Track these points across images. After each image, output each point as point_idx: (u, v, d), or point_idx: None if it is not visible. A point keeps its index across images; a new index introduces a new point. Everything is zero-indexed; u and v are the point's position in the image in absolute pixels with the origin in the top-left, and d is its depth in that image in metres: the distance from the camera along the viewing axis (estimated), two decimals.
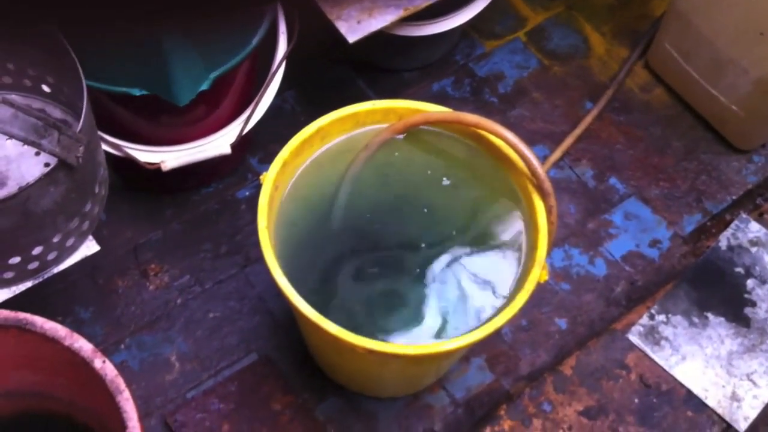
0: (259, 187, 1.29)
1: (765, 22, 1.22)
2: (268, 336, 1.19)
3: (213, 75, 1.02)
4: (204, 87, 1.01)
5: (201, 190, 1.29)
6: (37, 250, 0.82)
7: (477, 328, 0.94)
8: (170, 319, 1.19)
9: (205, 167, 1.17)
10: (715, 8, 1.29)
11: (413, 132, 1.07)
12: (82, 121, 0.76)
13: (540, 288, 1.01)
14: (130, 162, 1.11)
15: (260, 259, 1.24)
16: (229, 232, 1.26)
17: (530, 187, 1.02)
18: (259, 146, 1.33)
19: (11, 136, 0.67)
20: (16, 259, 0.81)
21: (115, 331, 1.17)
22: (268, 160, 1.33)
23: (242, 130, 1.13)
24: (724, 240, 1.30)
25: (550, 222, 1.02)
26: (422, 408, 1.16)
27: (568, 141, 1.41)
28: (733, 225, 1.32)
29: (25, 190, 0.73)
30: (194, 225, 1.26)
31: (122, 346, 1.16)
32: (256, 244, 1.25)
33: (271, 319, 1.20)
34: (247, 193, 1.30)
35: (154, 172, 1.12)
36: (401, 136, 1.07)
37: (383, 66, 1.41)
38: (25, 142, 0.70)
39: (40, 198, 0.76)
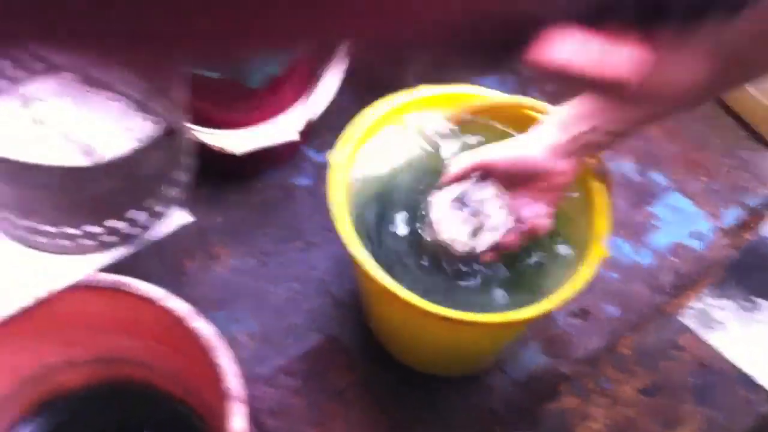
0: (317, 176, 1.35)
1: None
2: (331, 316, 1.22)
3: (282, 59, 1.07)
4: (275, 71, 1.06)
5: (260, 178, 1.33)
6: (136, 214, 0.86)
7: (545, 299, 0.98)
8: (238, 300, 1.22)
9: (268, 154, 1.21)
10: None
11: (467, 125, 1.11)
12: (183, 89, 0.80)
13: None
14: (199, 145, 1.15)
15: (320, 243, 1.29)
16: (289, 217, 1.30)
17: (585, 170, 1.07)
18: (316, 137, 1.37)
19: (129, 97, 0.71)
20: (115, 223, 0.85)
21: None
22: (324, 149, 1.37)
23: (309, 119, 1.18)
24: (766, 229, 1.34)
25: (608, 202, 1.06)
26: (483, 388, 1.19)
27: None
28: None
29: (135, 151, 0.77)
30: (255, 211, 1.30)
31: None
32: (316, 229, 1.30)
33: (333, 301, 1.24)
34: (306, 182, 1.34)
35: (222, 156, 1.16)
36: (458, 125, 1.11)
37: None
38: (140, 103, 0.74)
39: (145, 160, 0.79)
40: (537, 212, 1.00)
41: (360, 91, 1.44)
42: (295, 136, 1.16)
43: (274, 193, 1.32)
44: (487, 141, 1.11)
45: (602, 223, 1.02)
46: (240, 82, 1.05)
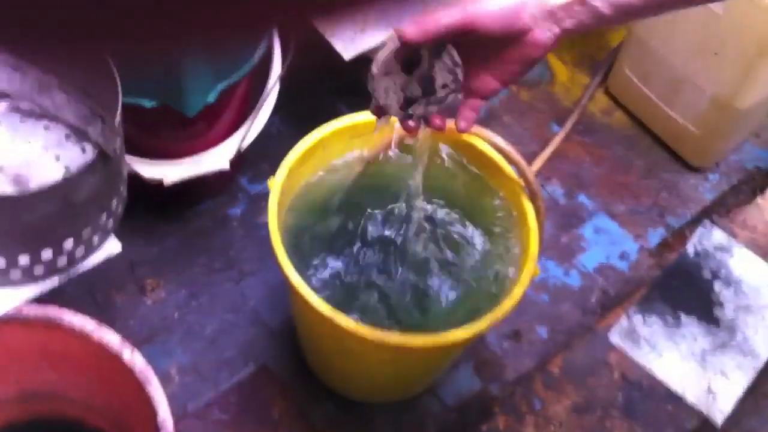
0: (250, 205, 1.35)
1: (719, 43, 1.33)
2: (264, 347, 1.22)
3: (220, 86, 1.07)
4: (211, 99, 1.06)
5: (193, 208, 1.32)
6: (68, 244, 0.84)
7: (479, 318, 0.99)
8: (168, 333, 1.21)
9: (199, 184, 1.20)
10: (672, 31, 1.39)
11: (406, 144, 1.13)
12: (119, 113, 0.80)
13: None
14: (130, 176, 1.14)
15: (254, 272, 1.28)
16: (222, 247, 1.29)
17: (518, 190, 1.09)
18: (249, 166, 1.37)
19: (64, 122, 0.70)
20: (48, 253, 0.84)
21: None
22: (257, 180, 1.38)
23: (240, 147, 1.18)
24: (691, 247, 1.39)
25: (539, 222, 1.08)
26: (416, 413, 1.20)
27: (540, 160, 1.49)
28: (698, 232, 1.41)
29: (68, 179, 0.76)
30: (188, 241, 1.29)
31: None
32: (249, 259, 1.30)
33: (267, 331, 1.23)
34: (239, 211, 1.34)
35: (152, 186, 1.15)
36: (395, 149, 1.13)
37: (367, 93, 1.48)
38: (75, 128, 0.73)
39: (79, 188, 0.78)
40: (488, 85, 0.87)
41: (292, 120, 1.45)
42: (225, 166, 1.16)
43: (207, 223, 1.32)
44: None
45: (534, 243, 1.05)
46: (177, 110, 1.05)
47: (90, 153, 0.81)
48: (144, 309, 1.22)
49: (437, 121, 0.89)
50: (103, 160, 0.79)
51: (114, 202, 0.88)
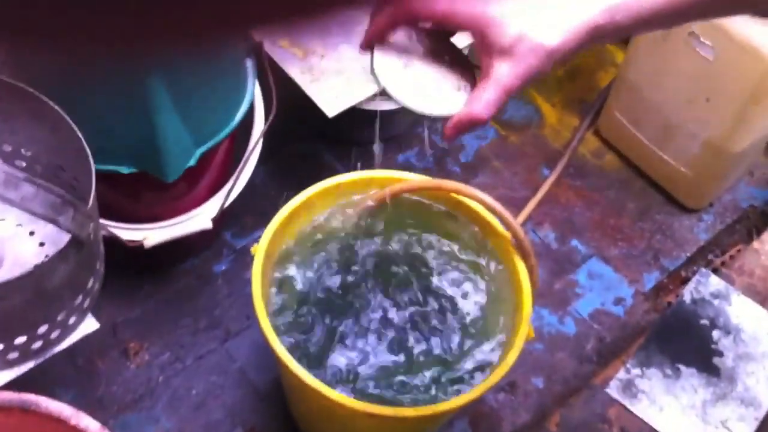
0: (235, 261, 1.32)
1: (710, 89, 1.31)
2: (252, 409, 1.18)
3: (200, 150, 1.04)
4: (191, 163, 1.03)
5: (177, 266, 1.29)
6: (42, 329, 0.81)
7: (470, 388, 0.97)
8: (153, 398, 1.17)
9: (183, 243, 1.17)
10: (663, 77, 1.37)
11: (395, 200, 1.10)
12: (92, 197, 0.77)
13: None
14: (109, 239, 1.11)
15: (240, 331, 1.25)
16: (207, 307, 1.26)
17: (510, 249, 1.06)
18: (233, 221, 1.34)
19: (34, 214, 0.67)
20: (21, 339, 0.80)
21: (98, 412, 1.14)
22: (242, 234, 1.34)
23: (223, 205, 1.15)
24: (687, 294, 1.36)
25: (532, 282, 1.05)
26: None
27: (530, 206, 1.46)
28: (694, 279, 1.38)
29: (40, 267, 0.73)
30: (172, 301, 1.26)
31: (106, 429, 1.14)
32: (235, 317, 1.26)
33: (254, 392, 1.20)
34: (224, 267, 1.30)
35: (132, 249, 1.12)
36: (383, 205, 1.10)
37: (350, 139, 1.45)
38: (45, 219, 0.70)
39: (51, 275, 0.75)
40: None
41: (276, 171, 1.42)
42: (208, 225, 1.13)
43: (191, 282, 1.28)
44: (417, 218, 1.10)
45: (528, 303, 1.02)
46: (156, 176, 1.02)
47: (62, 238, 0.78)
48: (127, 373, 1.18)
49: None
50: (77, 246, 0.76)
51: (90, 282, 0.85)
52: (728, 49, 1.24)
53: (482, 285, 1.09)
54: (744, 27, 1.23)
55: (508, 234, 1.05)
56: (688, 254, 1.47)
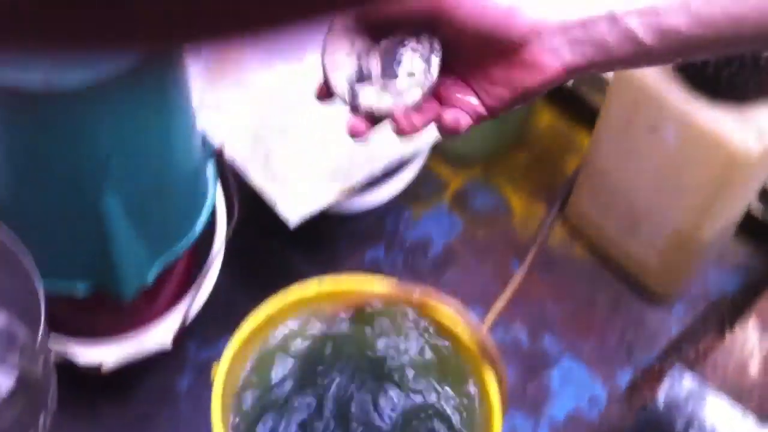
0: (199, 374, 1.27)
1: (675, 177, 1.30)
2: None
3: (158, 265, 1.00)
4: (149, 280, 0.99)
5: (136, 384, 1.23)
6: None
7: None
8: None
9: (141, 361, 1.13)
10: (631, 164, 1.36)
11: (361, 309, 1.07)
12: (41, 331, 0.73)
13: None
14: (62, 363, 1.06)
15: None
16: (170, 427, 1.21)
17: (479, 359, 1.03)
18: (195, 333, 1.29)
19: None
20: None
21: None
22: (204, 346, 1.29)
23: (184, 321, 1.11)
24: (661, 396, 1.33)
25: (502, 392, 1.02)
26: None
27: (499, 304, 1.43)
28: (668, 379, 1.35)
29: None
30: (132, 423, 1.20)
31: None
32: None
33: None
34: (186, 382, 1.25)
35: (86, 370, 1.08)
36: (349, 315, 1.07)
37: (318, 238, 1.42)
38: None
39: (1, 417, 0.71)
40: (468, 102, 0.65)
41: (238, 278, 1.37)
42: (168, 344, 1.09)
43: (152, 401, 1.23)
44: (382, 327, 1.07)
45: (497, 423, 0.99)
46: (110, 295, 0.98)
47: (10, 380, 0.74)
48: None
49: (448, 118, 0.65)
50: (25, 386, 0.72)
51: (41, 419, 0.80)
52: (690, 137, 1.23)
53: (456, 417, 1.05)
54: (705, 114, 1.22)
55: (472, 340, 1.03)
56: (661, 347, 1.44)
